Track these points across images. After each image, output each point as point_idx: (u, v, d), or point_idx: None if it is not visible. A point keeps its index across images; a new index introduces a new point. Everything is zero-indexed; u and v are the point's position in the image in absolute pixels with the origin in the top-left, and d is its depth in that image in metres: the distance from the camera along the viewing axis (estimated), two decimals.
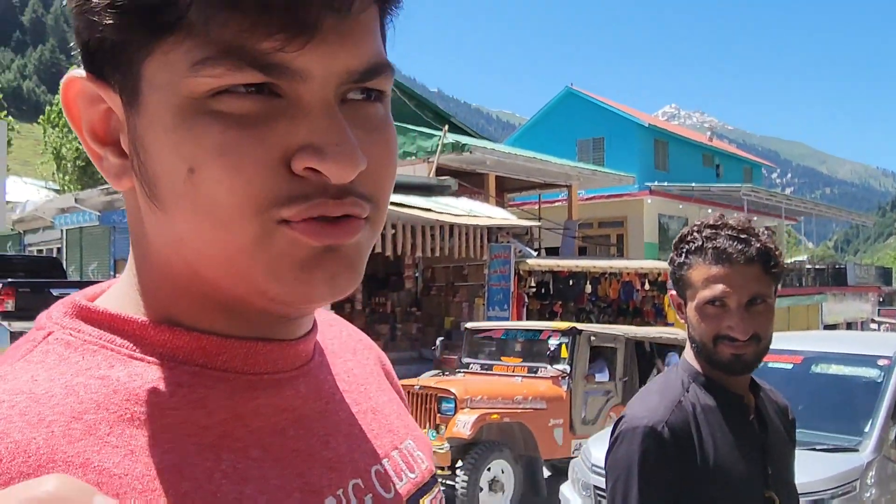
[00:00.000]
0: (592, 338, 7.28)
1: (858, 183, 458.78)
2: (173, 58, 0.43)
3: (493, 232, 13.16)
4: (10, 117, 34.56)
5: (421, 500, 0.60)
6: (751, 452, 1.38)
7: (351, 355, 0.65)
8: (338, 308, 13.09)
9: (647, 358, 8.03)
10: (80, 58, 0.49)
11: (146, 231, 0.49)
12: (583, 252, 18.87)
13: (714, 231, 1.40)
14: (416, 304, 15.24)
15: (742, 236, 1.37)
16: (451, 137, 15.28)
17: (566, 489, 4.73)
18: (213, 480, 0.46)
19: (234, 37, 0.42)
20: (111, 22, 0.43)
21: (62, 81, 0.49)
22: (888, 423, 4.29)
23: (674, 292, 1.47)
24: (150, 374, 0.47)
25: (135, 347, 0.48)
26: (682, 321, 1.47)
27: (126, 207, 0.52)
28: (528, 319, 14.47)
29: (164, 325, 0.49)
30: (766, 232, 1.42)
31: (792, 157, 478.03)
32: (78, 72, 0.48)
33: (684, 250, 1.43)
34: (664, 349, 8.22)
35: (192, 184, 0.44)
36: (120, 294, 0.52)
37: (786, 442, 1.50)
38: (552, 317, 15.48)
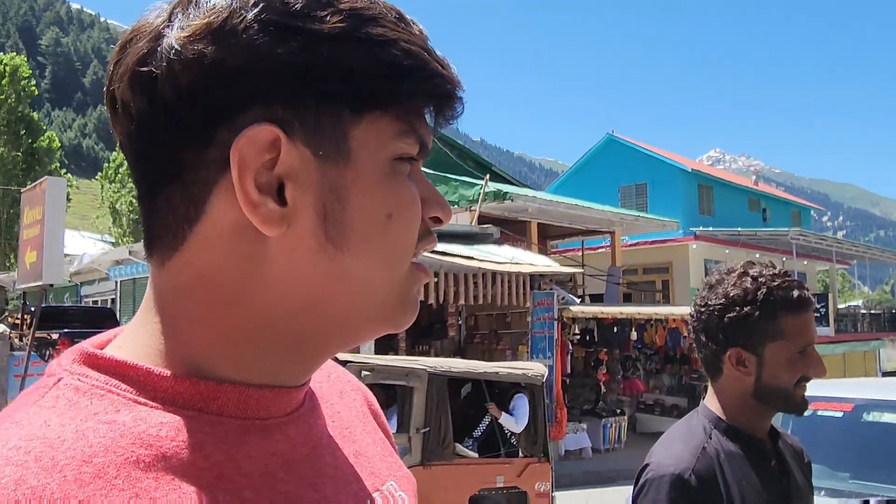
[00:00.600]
0: (365, 373, 5.49)
1: None
2: (379, 125, 0.54)
3: (535, 279, 13.11)
4: (69, 174, 36.02)
5: None
6: (774, 499, 1.37)
7: (338, 398, 0.69)
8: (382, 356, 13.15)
9: (497, 399, 6.58)
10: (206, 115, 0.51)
11: (267, 273, 0.53)
12: (627, 299, 18.64)
13: (783, 280, 1.44)
14: (460, 352, 15.15)
15: (797, 283, 1.45)
16: (493, 186, 15.38)
17: None
18: None
19: (419, 117, 0.56)
20: (342, 98, 0.52)
21: (246, 132, 0.50)
22: None
23: (738, 348, 1.43)
24: (153, 419, 0.50)
25: (138, 393, 0.51)
26: (744, 374, 1.43)
27: (227, 259, 0.53)
28: (572, 367, 14.29)
29: (167, 372, 0.52)
30: None
31: (843, 199, 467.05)
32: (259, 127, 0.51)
33: (759, 301, 1.41)
34: (514, 389, 6.73)
35: (388, 227, 0.54)
36: (130, 341, 0.55)
37: (806, 487, 1.49)
38: (598, 364, 15.25)
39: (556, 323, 12.86)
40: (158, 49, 0.51)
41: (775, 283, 1.42)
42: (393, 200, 0.54)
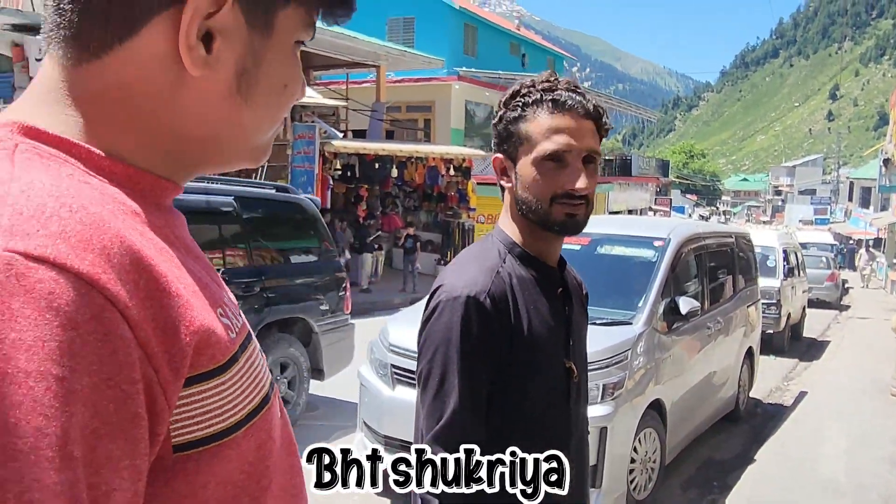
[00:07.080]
0: None
1: (647, 81, 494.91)
2: (298, 13, 0.67)
3: (296, 110, 12.64)
4: None
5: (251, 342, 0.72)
6: (557, 324, 1.40)
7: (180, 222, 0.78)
8: None
9: None
10: None
11: (180, 101, 0.63)
12: (390, 136, 18.79)
13: (552, 84, 1.35)
14: None
15: (579, 90, 1.36)
16: None
17: (364, 370, 4.82)
18: (185, 261, 0.64)
19: (317, 12, 0.70)
20: None
21: None
22: (658, 298, 4.77)
23: (500, 155, 1.40)
24: (108, 188, 0.60)
25: (85, 166, 0.59)
26: (507, 185, 1.41)
27: (150, 79, 0.62)
28: (332, 203, 14.31)
29: (103, 153, 0.61)
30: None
31: (591, 52, 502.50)
32: None
33: (520, 104, 1.36)
34: None
35: (281, 93, 0.69)
36: (52, 123, 0.60)
37: (584, 316, 1.55)
38: (358, 200, 15.43)
39: (317, 157, 12.64)
40: None
41: (542, 86, 1.35)
42: (290, 74, 0.69)
